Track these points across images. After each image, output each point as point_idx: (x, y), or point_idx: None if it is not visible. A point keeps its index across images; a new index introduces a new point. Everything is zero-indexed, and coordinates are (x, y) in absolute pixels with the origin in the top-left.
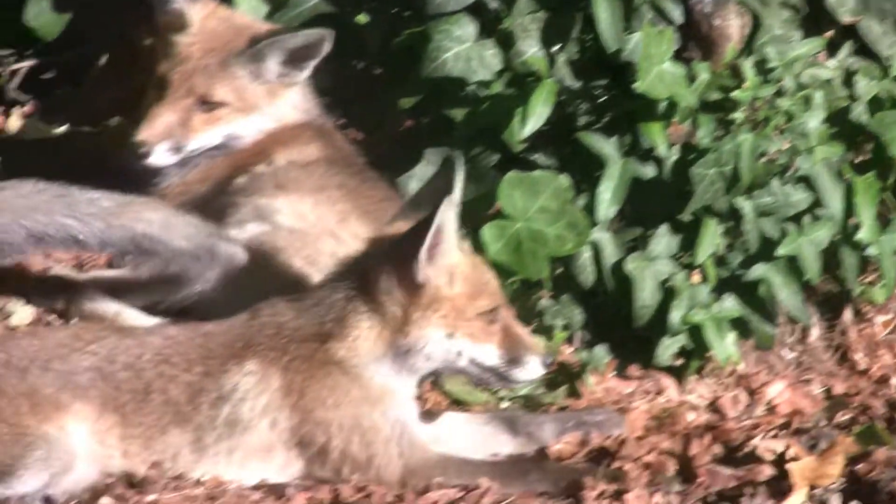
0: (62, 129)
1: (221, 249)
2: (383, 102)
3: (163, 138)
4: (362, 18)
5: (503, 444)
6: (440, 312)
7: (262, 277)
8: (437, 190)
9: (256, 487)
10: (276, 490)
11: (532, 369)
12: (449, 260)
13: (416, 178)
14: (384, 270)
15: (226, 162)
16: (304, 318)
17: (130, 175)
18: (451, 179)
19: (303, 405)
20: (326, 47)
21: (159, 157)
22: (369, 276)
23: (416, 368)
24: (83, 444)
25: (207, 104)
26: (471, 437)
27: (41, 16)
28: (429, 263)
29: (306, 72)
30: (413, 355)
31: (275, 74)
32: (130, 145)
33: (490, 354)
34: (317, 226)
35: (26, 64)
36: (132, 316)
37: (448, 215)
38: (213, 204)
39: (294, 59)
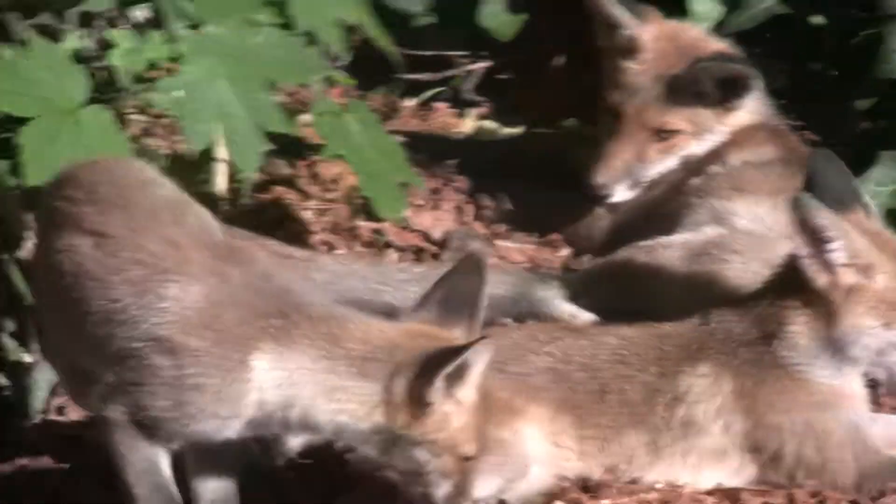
0: (517, 130)
1: (538, 295)
2: (839, 104)
3: (622, 178)
4: (818, 19)
5: None
6: (870, 304)
7: (717, 281)
8: (836, 192)
9: (710, 492)
10: (731, 495)
11: None
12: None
13: (873, 180)
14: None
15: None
16: (749, 322)
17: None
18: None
19: (755, 409)
20: (756, 86)
21: (620, 196)
22: (797, 268)
23: (858, 360)
24: (538, 447)
25: (663, 133)
26: None
27: (496, 16)
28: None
29: (746, 100)
30: (851, 346)
31: (714, 101)
32: (590, 187)
33: None
34: (774, 229)
35: (481, 65)
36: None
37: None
38: (667, 206)
39: (727, 89)
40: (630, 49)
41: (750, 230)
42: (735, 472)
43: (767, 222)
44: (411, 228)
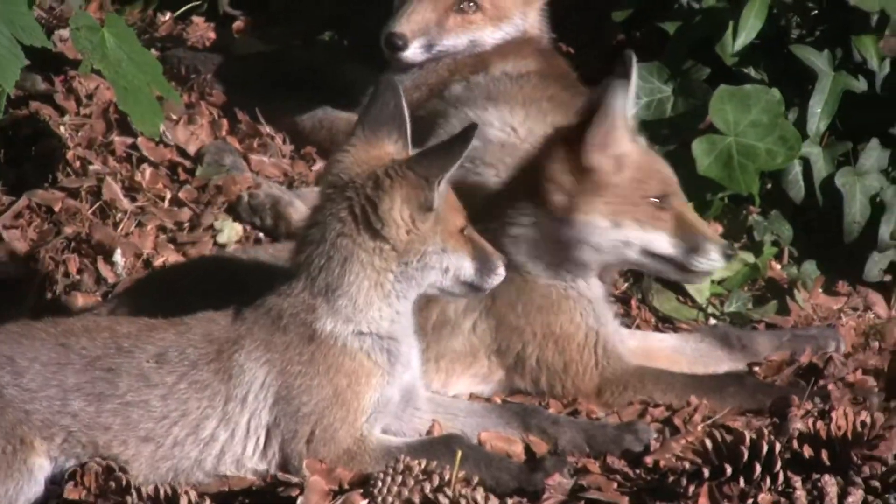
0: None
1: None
2: (596, 16)
3: (420, 34)
4: None
5: (720, 361)
6: (604, 199)
7: (473, 192)
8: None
9: None
10: None
11: (713, 258)
12: (618, 147)
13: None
14: (552, 158)
15: (443, 67)
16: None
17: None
18: (629, 71)
19: (497, 309)
20: None
21: (413, 52)
22: (536, 168)
23: (587, 262)
24: None
25: (466, 4)
26: (688, 354)
27: None
28: (597, 148)
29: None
30: (580, 246)
31: None
32: (386, 36)
33: (663, 242)
34: (527, 140)
35: None
36: None
37: (618, 101)
38: (425, 110)
39: None
40: None
41: (503, 140)
42: (484, 378)
43: (520, 132)
44: (166, 143)
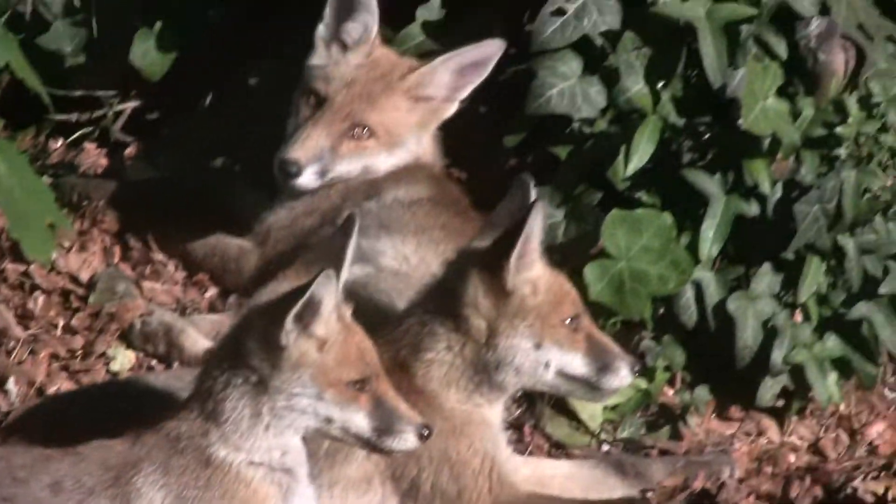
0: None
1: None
2: (489, 141)
3: (314, 161)
4: None
5: (613, 487)
6: (527, 322)
7: (365, 321)
8: (511, 209)
9: None
10: None
11: (622, 376)
12: (534, 270)
13: None
14: (470, 283)
15: (336, 194)
16: (383, 348)
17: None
18: (527, 195)
19: None
20: (495, 60)
21: (307, 178)
22: (451, 294)
23: (504, 385)
24: None
25: (360, 131)
26: (581, 481)
27: (146, 55)
28: (517, 271)
29: (469, 90)
30: (502, 370)
31: (444, 90)
32: (280, 162)
33: (578, 363)
34: (419, 268)
35: (130, 104)
36: None
37: (536, 223)
38: (318, 235)
39: (464, 74)
40: (354, 42)
41: (395, 269)
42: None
43: (413, 261)
44: (59, 271)
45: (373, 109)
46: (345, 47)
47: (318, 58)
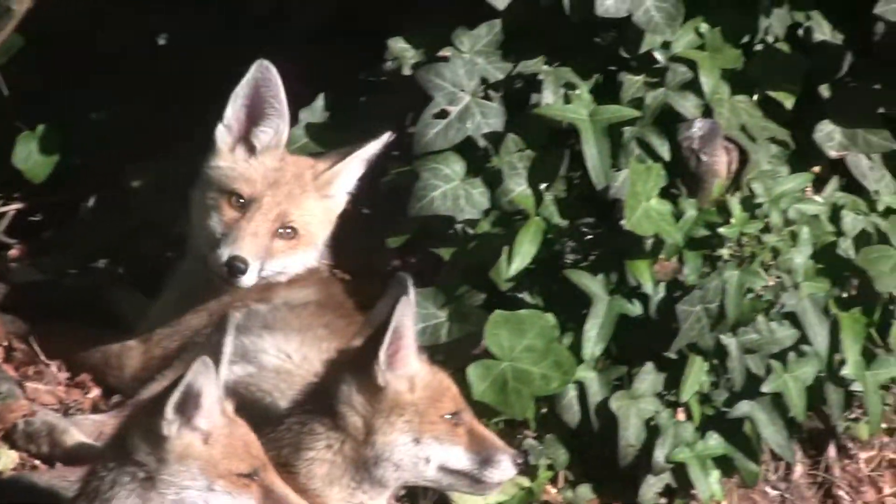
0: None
1: None
2: (373, 242)
3: (256, 258)
4: None
5: None
6: (404, 417)
7: (247, 420)
8: (389, 308)
9: None
10: None
11: (505, 469)
12: (409, 366)
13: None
14: (344, 381)
15: (227, 294)
16: (265, 447)
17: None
18: (403, 293)
19: None
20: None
21: (251, 276)
22: (328, 392)
23: (385, 481)
24: None
25: (287, 231)
26: None
27: (29, 158)
28: (389, 367)
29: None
30: (381, 466)
31: (345, 187)
32: (230, 258)
33: (459, 458)
34: (302, 366)
35: (13, 207)
36: None
37: (405, 318)
38: (202, 335)
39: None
40: (264, 145)
41: (277, 367)
42: None
43: (295, 359)
44: None
45: (296, 209)
46: (252, 149)
47: (223, 159)
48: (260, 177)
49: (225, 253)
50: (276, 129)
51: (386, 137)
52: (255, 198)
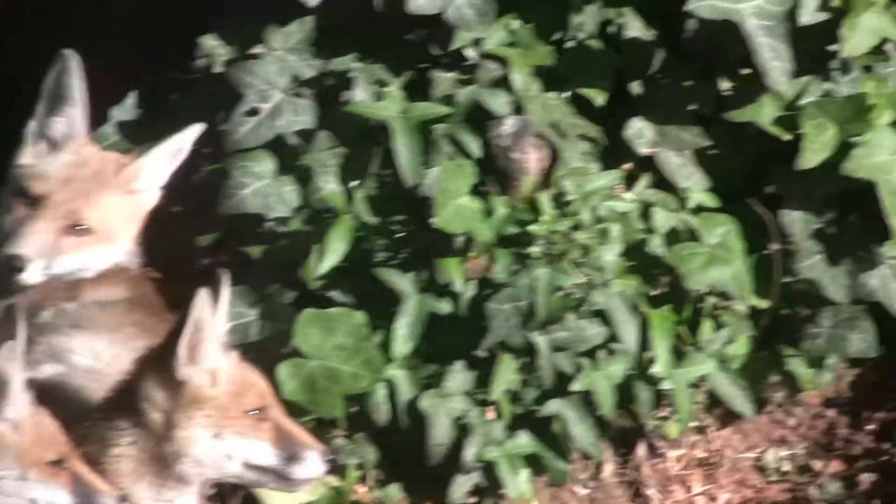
0: None
1: None
2: (183, 240)
3: (39, 255)
4: None
5: None
6: (203, 412)
7: (58, 419)
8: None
9: None
10: None
11: (313, 465)
12: (212, 361)
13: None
14: (145, 377)
15: (35, 292)
16: (74, 444)
17: None
18: (219, 289)
19: None
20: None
21: (33, 274)
22: (131, 389)
23: (188, 478)
24: None
25: (79, 228)
26: None
27: None
28: (189, 361)
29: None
30: (181, 461)
31: (152, 181)
32: (7, 258)
33: (264, 453)
34: (113, 365)
35: None
36: None
37: (204, 312)
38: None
39: (170, 162)
40: (61, 138)
41: (87, 366)
42: None
43: (105, 357)
44: None
45: (91, 207)
46: (54, 144)
47: (26, 157)
48: (54, 173)
49: (5, 251)
50: (70, 118)
51: (196, 129)
52: (45, 195)
